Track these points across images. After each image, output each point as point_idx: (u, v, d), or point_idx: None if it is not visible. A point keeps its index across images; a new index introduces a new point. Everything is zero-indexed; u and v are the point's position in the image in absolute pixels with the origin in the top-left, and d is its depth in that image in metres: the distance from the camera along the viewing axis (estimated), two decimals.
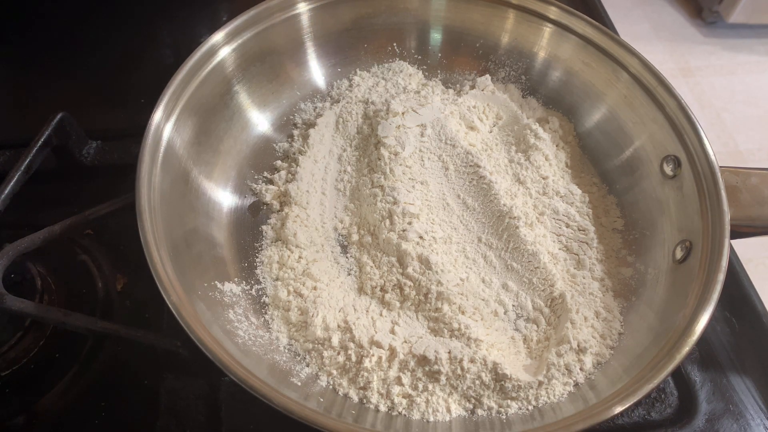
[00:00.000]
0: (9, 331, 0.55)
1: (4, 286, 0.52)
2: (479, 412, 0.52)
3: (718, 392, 0.59)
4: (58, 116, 0.65)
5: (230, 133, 0.68)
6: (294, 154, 0.70)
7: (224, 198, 0.65)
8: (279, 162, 0.70)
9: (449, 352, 0.52)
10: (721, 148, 1.89)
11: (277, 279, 0.61)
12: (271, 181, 0.69)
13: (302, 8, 0.71)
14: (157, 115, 0.57)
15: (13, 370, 0.55)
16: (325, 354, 0.54)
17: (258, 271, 0.61)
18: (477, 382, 0.52)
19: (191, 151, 0.62)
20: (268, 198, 0.67)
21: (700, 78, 2.08)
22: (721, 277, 0.51)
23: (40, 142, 0.63)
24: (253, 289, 0.60)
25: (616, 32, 0.73)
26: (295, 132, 0.73)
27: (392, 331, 0.55)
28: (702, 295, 0.51)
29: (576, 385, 0.53)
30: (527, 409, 0.52)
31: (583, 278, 0.60)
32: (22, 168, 0.60)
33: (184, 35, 0.90)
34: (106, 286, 0.63)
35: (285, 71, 0.73)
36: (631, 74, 0.66)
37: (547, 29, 0.73)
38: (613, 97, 0.69)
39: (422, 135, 0.69)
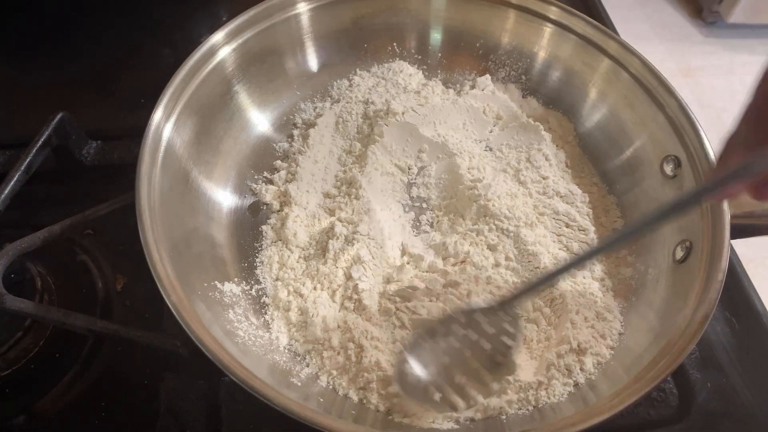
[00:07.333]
0: (9, 331, 0.55)
1: (4, 286, 0.52)
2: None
3: (718, 392, 0.58)
4: (58, 116, 0.65)
5: (230, 133, 0.68)
6: (294, 154, 0.70)
7: (224, 198, 0.65)
8: (279, 162, 0.70)
9: None
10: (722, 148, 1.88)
11: (277, 279, 0.61)
12: (271, 181, 0.69)
13: (302, 8, 0.71)
14: (157, 115, 0.57)
15: (13, 370, 0.55)
16: (325, 354, 0.54)
17: (258, 271, 0.61)
18: None
19: (191, 151, 0.62)
20: (268, 198, 0.67)
21: (700, 78, 2.07)
22: (721, 277, 0.51)
23: (40, 142, 0.63)
24: (253, 289, 0.60)
25: (616, 32, 0.73)
26: (295, 132, 0.73)
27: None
28: (702, 295, 0.51)
29: (576, 385, 0.53)
30: (527, 410, 0.52)
31: (583, 278, 0.60)
32: (22, 168, 0.60)
33: (184, 35, 0.90)
34: (106, 286, 0.63)
35: (285, 71, 0.73)
36: (632, 74, 0.66)
37: (547, 29, 0.73)
38: (613, 97, 0.69)
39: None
